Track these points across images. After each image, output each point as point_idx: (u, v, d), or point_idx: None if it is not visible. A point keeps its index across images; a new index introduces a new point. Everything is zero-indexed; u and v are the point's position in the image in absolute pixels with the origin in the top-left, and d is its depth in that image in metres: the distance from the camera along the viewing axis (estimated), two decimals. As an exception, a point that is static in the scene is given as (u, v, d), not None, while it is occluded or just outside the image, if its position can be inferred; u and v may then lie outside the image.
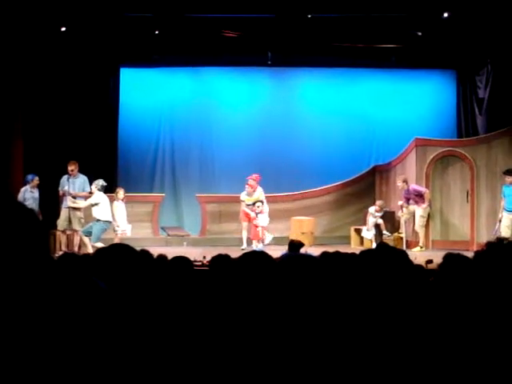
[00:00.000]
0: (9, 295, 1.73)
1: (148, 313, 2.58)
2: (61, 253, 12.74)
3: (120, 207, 13.59)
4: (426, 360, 2.18)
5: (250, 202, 14.30)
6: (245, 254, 2.99)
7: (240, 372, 2.10)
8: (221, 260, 4.82)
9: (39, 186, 13.09)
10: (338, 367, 2.12)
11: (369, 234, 14.58)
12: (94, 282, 1.89)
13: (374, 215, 14.62)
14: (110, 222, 13.08)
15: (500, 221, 13.09)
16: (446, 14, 13.09)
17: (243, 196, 14.43)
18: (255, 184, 14.32)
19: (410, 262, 2.91)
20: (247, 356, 2.12)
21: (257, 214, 14.06)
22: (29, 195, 12.90)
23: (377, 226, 14.62)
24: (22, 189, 12.94)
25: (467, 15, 13.32)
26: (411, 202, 14.12)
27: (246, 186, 14.38)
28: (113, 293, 2.22)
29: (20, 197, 12.82)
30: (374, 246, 13.82)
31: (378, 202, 14.90)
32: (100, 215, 12.90)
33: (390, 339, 2.37)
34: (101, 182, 13.04)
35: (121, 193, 13.68)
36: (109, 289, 2.00)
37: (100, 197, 12.95)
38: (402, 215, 14.36)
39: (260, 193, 14.40)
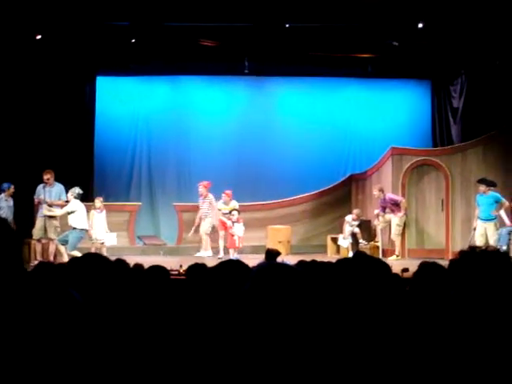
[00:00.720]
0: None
1: (123, 323, 2.56)
2: (36, 262, 12.66)
3: (97, 216, 13.53)
4: (402, 366, 2.18)
5: (227, 211, 14.35)
6: (221, 263, 2.99)
7: (215, 379, 2.09)
8: (197, 269, 4.80)
9: (14, 195, 12.98)
10: (314, 373, 2.12)
11: (345, 242, 14.63)
12: (69, 293, 1.87)
13: (350, 224, 14.67)
14: (86, 230, 13.01)
15: (474, 229, 13.18)
16: (420, 25, 13.19)
17: (220, 205, 14.48)
18: (205, 191, 14.48)
19: (388, 270, 2.92)
20: (223, 364, 2.11)
21: (233, 222, 14.08)
22: (4, 204, 12.79)
23: (353, 235, 14.67)
24: (-4, 198, 12.83)
25: (442, 26, 13.44)
26: (387, 210, 14.19)
27: (223, 195, 14.46)
28: (87, 303, 2.20)
29: (-6, 206, 12.72)
30: (350, 254, 13.85)
31: (355, 211, 14.96)
32: (76, 223, 12.82)
33: (366, 347, 2.38)
34: (77, 190, 12.98)
35: (97, 202, 13.63)
36: (83, 299, 1.98)
37: (76, 205, 12.89)
38: (378, 224, 14.43)
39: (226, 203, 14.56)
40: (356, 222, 14.72)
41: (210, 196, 14.57)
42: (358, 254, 3.26)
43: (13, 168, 13.76)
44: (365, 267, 2.74)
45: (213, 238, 14.82)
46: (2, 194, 12.85)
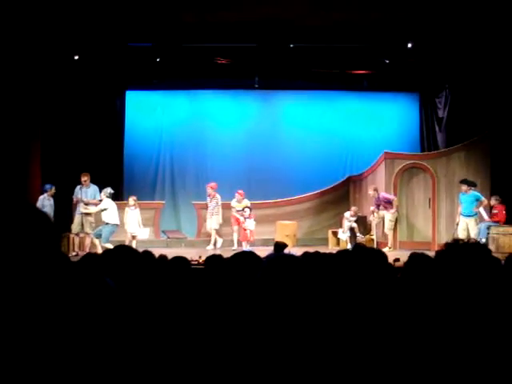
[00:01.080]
0: (24, 291, 1.72)
1: (150, 308, 2.57)
2: (74, 253, 12.74)
3: (130, 213, 13.60)
4: (399, 351, 2.18)
5: (240, 208, 14.39)
6: (236, 254, 2.99)
7: (236, 365, 2.09)
8: (214, 259, 4.81)
9: (55, 195, 13.05)
10: (323, 360, 2.12)
11: (344, 235, 14.61)
12: (105, 280, 1.88)
13: (348, 219, 14.65)
14: (117, 225, 13.06)
15: (457, 224, 13.15)
16: (410, 45, 13.17)
17: (233, 203, 14.51)
18: (212, 192, 14.47)
19: (384, 258, 2.92)
20: (240, 349, 2.12)
21: (245, 218, 14.13)
22: (46, 202, 12.85)
23: (351, 229, 14.65)
24: (41, 197, 12.88)
25: (428, 46, 13.41)
26: (381, 207, 14.16)
27: (236, 194, 14.48)
28: (119, 290, 2.21)
29: (39, 204, 12.75)
30: (348, 246, 13.85)
31: (353, 208, 14.94)
32: (108, 219, 12.89)
33: (363, 328, 2.38)
34: (109, 190, 13.05)
35: (131, 200, 13.72)
36: (116, 286, 1.99)
37: (108, 203, 12.95)
38: (373, 219, 14.40)
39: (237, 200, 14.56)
40: (354, 218, 14.70)
41: (217, 196, 14.58)
42: (358, 246, 3.26)
43: (55, 171, 13.82)
44: (362, 257, 2.74)
45: (227, 232, 14.87)
46: (45, 194, 12.91)
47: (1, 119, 12.28)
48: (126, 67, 14.99)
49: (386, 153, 14.66)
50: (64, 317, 1.73)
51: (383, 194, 14.10)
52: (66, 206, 13.58)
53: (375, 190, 14.21)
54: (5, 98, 12.34)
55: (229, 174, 16.54)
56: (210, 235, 14.89)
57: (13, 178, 12.66)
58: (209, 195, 14.63)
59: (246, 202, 14.48)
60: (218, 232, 14.63)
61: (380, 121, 17.32)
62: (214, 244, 14.52)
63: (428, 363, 1.99)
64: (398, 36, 12.97)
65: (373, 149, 15.98)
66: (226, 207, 14.77)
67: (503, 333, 2.00)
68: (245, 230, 14.14)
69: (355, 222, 14.72)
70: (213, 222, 14.54)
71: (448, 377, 1.96)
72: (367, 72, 15.42)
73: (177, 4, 11.71)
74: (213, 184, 14.67)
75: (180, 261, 4.90)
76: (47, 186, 12.95)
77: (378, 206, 14.20)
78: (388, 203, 14.05)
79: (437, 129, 16.55)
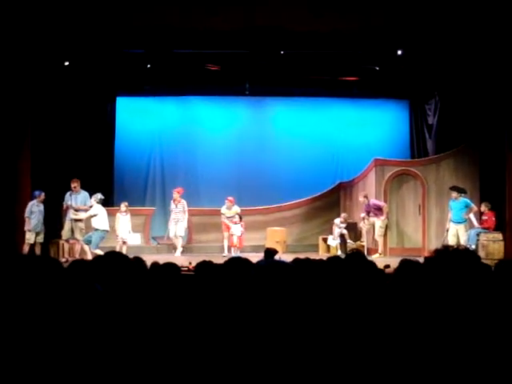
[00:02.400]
0: (20, 297, 1.72)
1: (139, 313, 2.56)
2: (63, 259, 12.68)
3: (122, 219, 13.60)
4: (389, 357, 2.19)
5: (230, 215, 14.40)
6: (229, 260, 2.98)
7: (226, 367, 2.09)
8: (205, 266, 4.80)
9: (45, 201, 12.98)
10: (306, 362, 2.13)
11: (334, 242, 14.64)
12: (93, 286, 1.88)
13: (339, 226, 14.68)
14: (107, 231, 13.03)
15: (447, 230, 13.20)
16: (399, 52, 13.23)
17: (223, 209, 14.53)
18: (178, 197, 14.42)
19: (376, 268, 2.93)
20: (231, 355, 2.12)
21: (233, 223, 14.20)
22: (36, 208, 12.80)
23: (342, 236, 14.68)
24: (30, 203, 12.82)
25: (418, 53, 13.48)
26: (371, 214, 14.19)
27: (226, 201, 14.49)
28: (108, 295, 2.20)
29: (28, 210, 12.72)
30: (339, 252, 13.87)
31: (343, 215, 14.97)
32: (98, 225, 12.86)
33: (353, 333, 2.38)
34: (99, 196, 13.03)
35: (123, 206, 13.72)
36: (105, 291, 1.99)
37: (98, 209, 12.92)
38: (364, 226, 14.43)
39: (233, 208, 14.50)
40: (344, 225, 14.73)
41: (183, 201, 14.50)
42: (354, 253, 3.25)
43: (45, 177, 13.77)
44: (354, 264, 2.75)
45: (217, 238, 14.86)
46: (35, 200, 12.85)
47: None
48: (116, 73, 14.99)
49: (376, 159, 14.70)
50: (53, 321, 1.73)
51: (373, 201, 14.14)
52: (55, 213, 13.53)
53: (365, 196, 14.25)
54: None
55: (219, 180, 16.55)
56: (202, 241, 14.86)
57: (2, 184, 12.60)
58: (174, 200, 14.48)
59: (236, 209, 14.50)
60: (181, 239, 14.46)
61: (370, 127, 17.37)
62: (177, 250, 14.34)
63: (418, 369, 2.00)
64: (388, 43, 13.02)
65: (363, 155, 16.01)
66: (216, 213, 14.76)
67: (493, 338, 2.01)
68: (232, 235, 14.20)
69: (345, 228, 14.75)
70: (179, 228, 14.37)
71: (438, 381, 1.97)
72: (357, 79, 15.47)
73: (168, 10, 11.71)
74: (179, 189, 14.63)
75: (170, 267, 4.89)
76: (36, 193, 12.90)
77: (368, 213, 14.24)
78: (378, 210, 14.09)
79: (427, 135, 16.62)
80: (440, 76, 14.90)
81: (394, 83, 15.87)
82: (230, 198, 14.54)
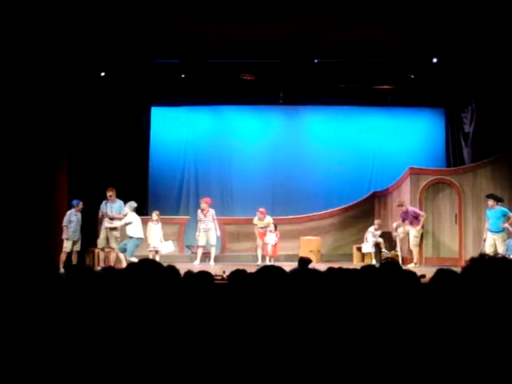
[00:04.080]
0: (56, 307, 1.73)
1: (172, 322, 2.57)
2: (99, 268, 12.80)
3: (153, 228, 13.67)
4: (422, 364, 2.15)
5: (263, 225, 14.43)
6: (262, 268, 2.96)
7: (254, 374, 2.08)
8: (238, 274, 4.79)
9: (82, 210, 13.15)
10: (341, 370, 2.10)
11: (367, 248, 14.51)
12: (128, 295, 1.89)
13: (373, 234, 14.56)
14: (142, 239, 13.12)
15: (484, 240, 12.99)
16: (435, 60, 13.11)
17: (255, 220, 14.57)
18: (207, 207, 14.35)
19: (411, 277, 2.89)
20: (264, 359, 2.11)
21: (267, 232, 14.22)
22: (73, 218, 12.98)
23: (377, 245, 14.56)
24: (68, 212, 13.01)
25: (454, 61, 13.34)
26: (407, 222, 14.05)
27: (257, 213, 14.51)
28: (143, 304, 2.21)
29: (66, 219, 12.91)
30: (373, 262, 13.76)
31: (376, 221, 14.87)
32: (133, 233, 12.97)
33: (387, 344, 2.35)
34: (133, 204, 13.15)
35: (154, 215, 13.80)
36: (139, 299, 2.00)
37: (133, 216, 13.03)
38: (398, 235, 14.30)
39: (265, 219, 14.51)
40: (378, 232, 14.60)
41: (211, 210, 14.48)
42: (389, 262, 3.22)
43: (82, 186, 13.96)
44: (389, 273, 2.72)
45: (251, 247, 14.89)
46: (73, 209, 13.02)
47: (29, 134, 12.46)
48: (151, 83, 15.15)
49: (411, 168, 14.57)
50: (86, 329, 1.74)
51: (412, 208, 14.00)
52: (91, 221, 13.69)
53: (401, 204, 14.11)
54: (33, 114, 12.53)
55: (253, 189, 16.59)
56: (237, 250, 14.89)
57: (40, 193, 12.80)
58: (202, 210, 14.44)
59: (269, 219, 14.50)
60: (208, 249, 14.45)
61: (405, 136, 17.24)
62: (210, 259, 14.37)
63: (454, 380, 1.97)
64: (423, 51, 12.92)
65: (398, 164, 15.89)
66: (250, 222, 14.79)
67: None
68: (266, 244, 14.21)
69: (380, 236, 14.62)
70: (211, 237, 14.34)
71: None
72: (392, 87, 15.38)
73: (202, 21, 11.80)
74: (207, 199, 14.63)
75: (204, 276, 4.90)
76: (74, 202, 13.07)
77: (403, 220, 14.10)
78: (415, 218, 13.95)
79: (463, 144, 16.42)
80: (476, 84, 14.73)
81: (429, 91, 15.72)
82: (261, 210, 14.55)
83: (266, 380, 2.07)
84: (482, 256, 2.15)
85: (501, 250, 12.50)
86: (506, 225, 12.83)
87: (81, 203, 13.06)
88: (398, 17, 11.48)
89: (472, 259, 2.14)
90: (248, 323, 2.46)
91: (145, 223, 13.57)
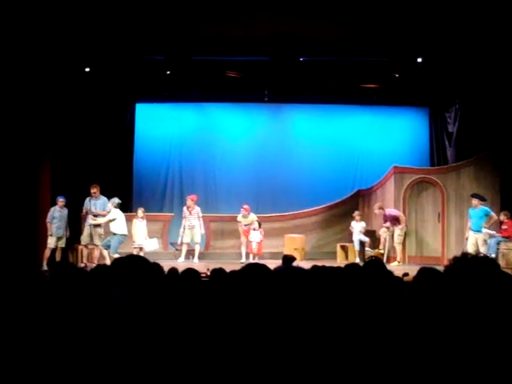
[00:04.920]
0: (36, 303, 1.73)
1: (159, 319, 2.57)
2: (82, 265, 12.76)
3: (138, 225, 13.64)
4: (406, 362, 2.18)
5: (247, 223, 14.44)
6: (247, 265, 2.96)
7: (238, 370, 2.09)
8: (219, 272, 4.83)
9: (67, 206, 13.08)
10: (324, 368, 2.12)
11: (355, 236, 14.51)
12: (114, 293, 1.89)
13: (356, 225, 14.57)
14: (125, 235, 13.09)
15: (467, 239, 13.09)
16: (420, 59, 13.19)
17: (239, 218, 14.56)
18: (192, 204, 14.37)
19: (393, 276, 2.92)
20: (248, 359, 2.12)
21: (251, 230, 14.22)
22: (57, 214, 12.93)
23: (361, 243, 14.60)
24: (52, 208, 12.97)
25: (438, 61, 13.42)
26: (389, 224, 14.15)
27: (241, 210, 14.50)
28: (128, 301, 2.21)
29: (49, 215, 12.86)
30: (357, 260, 13.81)
31: (355, 213, 14.80)
32: (116, 229, 12.93)
33: (371, 342, 2.37)
34: (116, 200, 13.10)
35: (139, 212, 13.78)
36: (124, 296, 2.00)
37: (116, 213, 12.99)
38: (383, 233, 14.37)
39: (251, 216, 14.50)
40: (361, 223, 14.58)
41: (197, 208, 14.49)
42: (373, 260, 3.24)
43: (66, 183, 13.87)
44: (371, 271, 2.74)
45: (235, 244, 14.90)
46: (56, 206, 12.97)
47: (12, 131, 12.37)
48: (136, 80, 15.09)
49: (395, 167, 14.65)
50: (73, 326, 1.74)
51: (389, 211, 14.08)
52: (75, 218, 13.63)
53: (380, 208, 14.21)
54: (15, 110, 12.44)
55: (238, 187, 16.60)
56: (220, 248, 14.87)
57: (23, 190, 12.72)
58: (188, 207, 14.45)
59: (253, 217, 14.51)
60: (192, 246, 14.48)
61: (389, 135, 17.32)
62: (195, 256, 14.38)
63: (436, 377, 1.99)
64: (408, 50, 12.99)
65: (382, 163, 15.96)
66: (235, 220, 14.78)
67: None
68: (250, 242, 14.22)
69: (364, 234, 14.67)
70: (196, 235, 14.37)
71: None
72: (377, 86, 15.44)
73: (188, 17, 11.78)
74: (193, 196, 14.63)
75: (190, 273, 4.91)
76: (57, 198, 13.03)
77: (385, 222, 14.19)
78: (395, 220, 14.04)
79: (446, 143, 16.53)
80: (460, 84, 14.83)
81: (414, 91, 15.81)
82: (245, 207, 14.55)
83: (250, 377, 2.08)
84: (465, 255, 2.17)
85: (482, 250, 12.60)
86: (486, 229, 12.91)
87: (62, 199, 12.97)
88: (384, 16, 11.54)
89: (455, 258, 2.17)
90: (233, 321, 2.48)
91: (129, 220, 13.52)
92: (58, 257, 12.91)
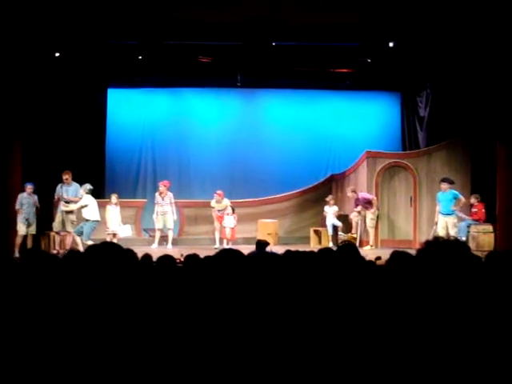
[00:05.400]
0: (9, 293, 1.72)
1: (134, 306, 2.57)
2: (54, 252, 12.65)
3: (112, 211, 13.55)
4: (376, 345, 2.20)
5: (220, 208, 14.42)
6: (221, 251, 2.96)
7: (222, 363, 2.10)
8: (193, 258, 4.83)
9: (36, 192, 12.92)
10: (298, 355, 2.13)
11: (329, 220, 14.59)
12: (87, 280, 1.87)
13: (329, 210, 14.65)
14: (98, 221, 12.98)
15: (436, 223, 13.23)
16: (391, 44, 13.24)
17: (213, 203, 14.52)
18: (165, 190, 14.31)
19: (365, 260, 2.94)
20: (220, 345, 2.12)
21: (225, 215, 14.21)
22: (25, 200, 12.77)
23: (334, 228, 14.68)
24: (19, 195, 12.79)
25: (409, 45, 13.49)
26: (360, 207, 14.24)
27: (215, 195, 14.47)
28: (102, 288, 2.20)
29: (18, 202, 12.70)
30: (330, 244, 13.90)
31: (328, 197, 14.88)
32: (89, 215, 12.82)
33: (344, 326, 2.39)
34: (88, 186, 12.98)
35: (113, 198, 13.69)
36: (98, 283, 1.99)
37: (88, 199, 12.88)
38: (354, 217, 14.47)
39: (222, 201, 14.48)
40: (334, 207, 14.66)
41: (170, 194, 14.44)
42: (346, 245, 3.26)
43: (36, 169, 13.70)
44: (345, 255, 2.76)
45: (208, 230, 14.89)
46: (24, 193, 12.81)
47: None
48: (108, 64, 14.93)
49: (367, 152, 14.73)
50: (45, 315, 1.73)
51: (362, 195, 14.18)
52: (47, 205, 13.49)
53: (353, 191, 14.31)
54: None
55: (211, 172, 16.58)
56: (194, 234, 14.85)
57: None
58: (160, 193, 14.35)
59: (226, 202, 14.49)
60: (165, 232, 14.43)
61: (362, 120, 17.41)
62: (168, 242, 14.33)
63: (410, 362, 2.02)
64: (380, 35, 13.04)
65: (355, 147, 16.05)
66: (208, 206, 14.75)
67: (484, 330, 2.03)
68: (224, 227, 14.22)
69: (337, 218, 14.75)
70: (168, 221, 14.31)
71: (430, 376, 1.98)
72: (349, 71, 15.47)
73: (159, 1, 11.67)
74: (165, 182, 14.56)
75: (166, 260, 4.90)
76: (25, 184, 12.87)
77: (356, 206, 14.28)
78: (368, 203, 14.13)
79: (418, 128, 16.66)
80: (431, 68, 14.93)
81: (385, 75, 15.88)
82: (218, 192, 14.52)
83: (225, 363, 2.09)
84: (436, 239, 2.20)
85: (453, 232, 12.75)
86: (457, 211, 13.07)
87: (30, 186, 12.81)
88: (356, 1, 11.56)
89: (427, 242, 2.19)
90: (208, 307, 2.48)
91: (102, 206, 13.42)
92: (29, 244, 12.79)
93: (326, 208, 14.72)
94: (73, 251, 3.93)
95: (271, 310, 2.17)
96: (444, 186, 13.11)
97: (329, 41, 13.42)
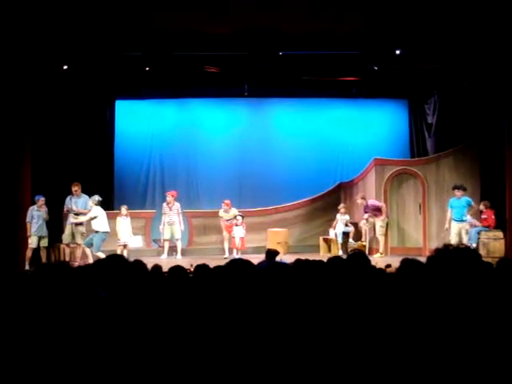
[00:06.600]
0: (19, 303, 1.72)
1: (143, 317, 2.56)
2: (76, 264, 12.65)
3: (122, 222, 13.58)
4: (388, 353, 2.19)
5: (229, 217, 14.42)
6: (231, 261, 2.96)
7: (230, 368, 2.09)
8: (203, 268, 4.82)
9: (45, 205, 12.94)
10: (309, 362, 2.12)
11: (332, 233, 14.63)
12: (95, 290, 1.88)
13: (341, 219, 14.65)
14: (108, 233, 13.01)
15: (446, 230, 13.17)
16: (398, 52, 13.24)
17: (221, 213, 14.54)
18: (172, 200, 14.36)
19: (375, 268, 2.93)
20: (233, 356, 2.12)
21: (234, 226, 14.20)
22: (36, 213, 12.79)
23: (345, 234, 14.66)
24: (30, 208, 12.82)
25: (417, 53, 13.48)
26: (371, 215, 14.19)
27: (222, 205, 14.48)
28: (111, 299, 2.20)
29: (28, 215, 12.73)
30: (340, 252, 13.86)
31: (340, 206, 14.90)
32: (98, 227, 12.85)
33: (355, 334, 2.38)
34: (97, 198, 13.02)
35: (123, 209, 13.71)
36: (106, 295, 1.99)
37: (98, 211, 12.91)
38: (364, 225, 14.43)
39: (231, 210, 14.47)
40: (346, 216, 14.67)
41: (177, 204, 14.45)
42: (356, 253, 3.24)
43: (46, 181, 13.74)
44: (356, 265, 2.74)
45: (217, 240, 14.89)
46: (34, 205, 12.84)
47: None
48: (115, 76, 14.99)
49: (375, 159, 14.70)
50: (55, 325, 1.73)
51: (371, 202, 14.14)
52: (57, 217, 13.52)
53: (363, 198, 14.27)
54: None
55: (220, 182, 16.58)
56: (203, 244, 14.85)
57: (2, 190, 12.58)
58: (168, 203, 14.40)
59: (234, 211, 14.50)
60: (174, 243, 14.43)
61: (370, 127, 17.38)
62: (177, 252, 14.34)
63: (420, 368, 2.00)
64: (387, 43, 13.04)
65: (363, 155, 16.01)
66: (217, 216, 14.76)
67: (496, 336, 2.01)
68: (234, 237, 14.20)
69: (346, 225, 14.72)
70: (176, 231, 14.31)
71: (442, 381, 1.97)
72: (356, 79, 15.47)
73: (166, 13, 11.71)
74: (173, 192, 14.59)
75: (177, 270, 4.90)
76: (35, 197, 12.89)
77: (365, 213, 14.24)
78: (377, 210, 14.09)
79: (426, 135, 16.62)
80: (439, 75, 14.92)
81: (393, 83, 15.86)
82: (226, 202, 14.54)
83: (234, 372, 2.08)
84: (447, 246, 2.19)
85: (465, 240, 12.71)
86: (469, 217, 13.02)
87: (41, 199, 12.83)
88: (362, 8, 11.55)
89: (437, 249, 2.18)
90: (214, 317, 2.47)
91: (111, 218, 13.45)
92: (43, 257, 12.81)
93: (338, 216, 14.73)
94: (81, 267, 3.94)
95: (282, 320, 2.17)
96: (458, 192, 13.08)
97: (335, 49, 13.42)
